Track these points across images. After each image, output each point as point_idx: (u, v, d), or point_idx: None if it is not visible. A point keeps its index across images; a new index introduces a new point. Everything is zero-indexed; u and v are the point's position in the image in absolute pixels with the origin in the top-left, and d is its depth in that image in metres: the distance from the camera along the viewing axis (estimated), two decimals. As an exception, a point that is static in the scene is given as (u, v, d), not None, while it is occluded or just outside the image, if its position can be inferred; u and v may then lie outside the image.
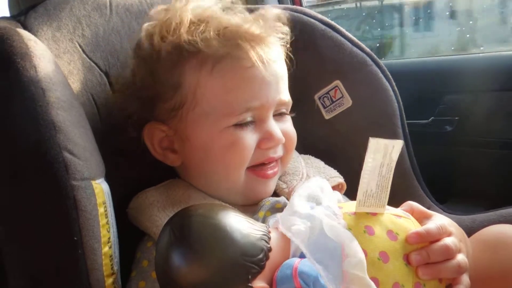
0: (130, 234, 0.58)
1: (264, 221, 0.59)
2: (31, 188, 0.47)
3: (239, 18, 0.60)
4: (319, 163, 0.73)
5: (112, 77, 0.68)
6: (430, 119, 1.00)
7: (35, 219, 0.46)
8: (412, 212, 0.52)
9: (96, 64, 0.67)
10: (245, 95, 0.58)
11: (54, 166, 0.46)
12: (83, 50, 0.66)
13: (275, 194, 0.66)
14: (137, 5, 0.74)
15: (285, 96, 0.63)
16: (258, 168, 0.61)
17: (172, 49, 0.58)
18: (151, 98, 0.61)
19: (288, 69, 0.68)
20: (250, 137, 0.59)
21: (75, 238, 0.46)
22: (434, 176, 0.84)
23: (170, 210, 0.57)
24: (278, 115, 0.63)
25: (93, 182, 0.49)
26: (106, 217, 0.50)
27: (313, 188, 0.54)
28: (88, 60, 0.66)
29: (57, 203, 0.46)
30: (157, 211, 0.58)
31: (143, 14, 0.74)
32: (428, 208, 0.55)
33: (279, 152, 0.63)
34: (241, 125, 0.59)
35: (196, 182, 0.63)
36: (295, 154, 0.72)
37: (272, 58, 0.60)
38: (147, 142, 0.63)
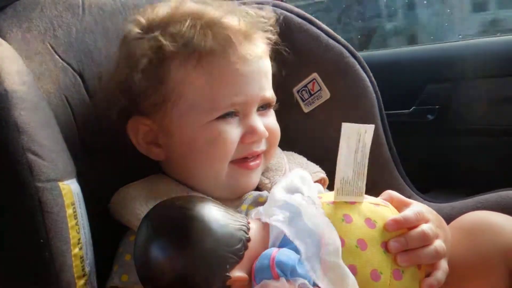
0: (114, 232, 0.58)
1: (246, 214, 0.59)
2: (-5, 191, 0.46)
3: (224, 13, 0.60)
4: (302, 159, 0.73)
5: (87, 77, 0.67)
6: (411, 109, 1.00)
7: (2, 221, 0.46)
8: (391, 200, 0.53)
9: (69, 64, 0.66)
10: (229, 91, 0.59)
11: (18, 168, 0.46)
12: (55, 51, 0.65)
13: (258, 189, 0.66)
14: (111, 4, 0.73)
15: (269, 92, 0.64)
16: (240, 161, 0.62)
17: (156, 44, 0.59)
18: (135, 93, 0.61)
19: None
20: (233, 131, 0.59)
21: (42, 241, 0.45)
22: (417, 166, 0.84)
23: (153, 203, 0.56)
24: (262, 110, 0.64)
25: (60, 184, 0.48)
26: (76, 218, 0.49)
27: (294, 179, 0.54)
28: (61, 61, 0.65)
29: (22, 205, 0.46)
30: (139, 205, 0.57)
31: (117, 13, 0.73)
32: (409, 198, 0.56)
33: (262, 146, 0.63)
34: (225, 119, 0.59)
35: (180, 176, 0.63)
36: (278, 150, 0.72)
37: (257, 54, 0.61)
38: (131, 136, 0.63)
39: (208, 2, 0.63)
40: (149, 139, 0.62)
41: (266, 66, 0.63)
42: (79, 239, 0.49)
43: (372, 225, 0.47)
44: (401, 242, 0.47)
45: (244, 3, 0.79)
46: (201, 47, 0.57)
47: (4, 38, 0.57)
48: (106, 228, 0.57)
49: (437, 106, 0.98)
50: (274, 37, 0.66)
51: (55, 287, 0.46)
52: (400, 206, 0.52)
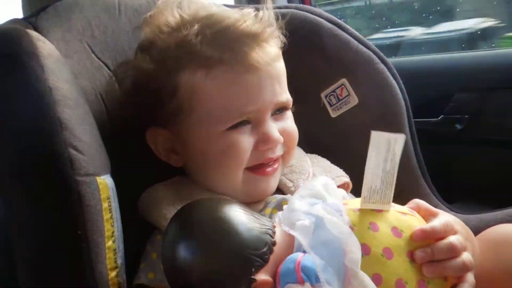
0: (139, 229, 0.59)
1: (270, 218, 0.59)
2: (37, 184, 0.48)
3: (234, 18, 0.59)
4: (325, 162, 0.73)
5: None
6: (440, 117, 0.99)
7: (41, 213, 0.47)
8: (418, 210, 0.52)
9: (104, 64, 0.68)
10: (240, 100, 0.58)
11: (59, 161, 0.47)
12: (92, 51, 0.67)
13: (281, 192, 0.66)
14: (145, 5, 0.76)
15: (283, 96, 0.62)
16: (256, 167, 0.61)
17: (166, 55, 0.59)
18: (149, 104, 0.61)
19: (294, 68, 0.69)
20: (246, 140, 0.59)
21: (79, 232, 0.47)
22: (443, 175, 0.83)
23: (179, 204, 0.57)
24: (277, 114, 0.63)
25: (97, 178, 0.50)
26: (110, 212, 0.51)
27: (317, 186, 0.54)
28: (97, 60, 0.67)
29: (62, 198, 0.47)
30: (166, 205, 0.59)
31: (151, 14, 0.75)
32: (436, 207, 0.55)
33: (278, 151, 0.62)
34: (237, 128, 0.59)
35: (199, 180, 0.64)
36: (301, 153, 0.72)
37: (269, 59, 0.59)
38: (151, 145, 0.64)
39: (219, 7, 0.64)
40: (168, 147, 0.63)
41: (278, 70, 0.62)
42: (113, 232, 0.51)
43: (398, 234, 0.47)
44: (428, 252, 0.46)
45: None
46: (210, 56, 0.57)
47: (45, 37, 0.59)
48: (130, 225, 0.58)
49: (466, 116, 0.96)
50: (284, 39, 0.64)
51: (89, 278, 0.48)
52: (427, 216, 0.51)
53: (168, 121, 0.61)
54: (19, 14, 0.78)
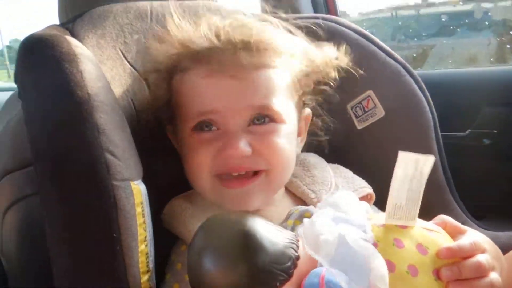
0: (162, 236, 0.59)
1: (293, 229, 0.59)
2: (74, 188, 0.49)
3: (215, 26, 0.62)
4: (348, 173, 0.72)
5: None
6: (467, 132, 0.97)
7: (78, 216, 0.49)
8: (444, 226, 0.51)
9: (136, 70, 0.70)
10: (198, 100, 0.60)
11: (96, 166, 0.48)
12: (124, 57, 0.69)
13: (304, 203, 0.66)
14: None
15: (258, 102, 0.59)
16: (224, 176, 0.60)
17: (159, 64, 0.65)
18: (162, 103, 0.65)
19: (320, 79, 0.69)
20: (207, 144, 0.59)
21: (114, 235, 0.48)
22: (471, 191, 0.81)
23: (201, 215, 0.59)
24: (257, 123, 0.60)
25: (131, 183, 0.51)
26: (143, 217, 0.52)
27: (339, 200, 0.54)
28: (129, 67, 0.69)
29: (99, 201, 0.48)
30: (189, 217, 0.60)
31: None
32: (463, 224, 0.54)
33: (248, 163, 0.59)
34: (201, 131, 0.60)
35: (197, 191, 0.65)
36: (323, 163, 0.72)
37: (242, 66, 0.58)
38: (171, 139, 0.67)
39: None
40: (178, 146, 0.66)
41: (262, 77, 0.60)
42: (145, 237, 0.51)
43: (424, 251, 0.46)
44: (454, 271, 0.45)
45: (297, 19, 0.81)
46: (181, 64, 0.61)
47: (81, 43, 0.60)
48: (155, 231, 0.59)
49: (494, 131, 0.95)
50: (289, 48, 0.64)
51: (122, 281, 0.48)
52: (454, 233, 0.50)
53: (172, 118, 0.65)
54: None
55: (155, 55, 0.66)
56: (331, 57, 0.69)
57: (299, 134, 0.68)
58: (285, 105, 0.62)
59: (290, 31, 0.68)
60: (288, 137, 0.62)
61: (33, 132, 0.52)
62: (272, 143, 0.60)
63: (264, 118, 0.60)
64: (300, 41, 0.67)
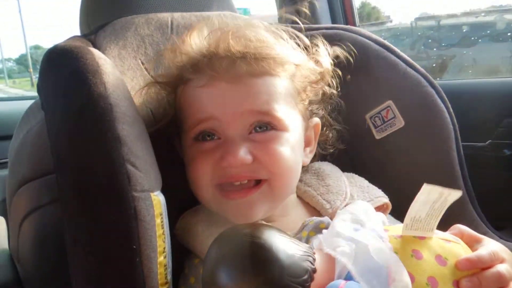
0: (174, 249, 0.59)
1: (307, 241, 0.59)
2: (95, 198, 0.49)
3: (216, 37, 0.62)
4: (363, 182, 0.71)
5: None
6: (487, 142, 0.96)
7: (99, 227, 0.49)
8: (461, 236, 0.51)
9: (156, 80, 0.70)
10: (197, 109, 0.60)
11: (118, 177, 0.49)
12: (145, 68, 0.70)
13: (318, 214, 0.66)
14: (196, 24, 0.78)
15: (261, 108, 0.58)
16: (225, 186, 0.59)
17: (165, 78, 0.66)
18: (171, 116, 0.66)
19: (340, 89, 0.69)
20: (207, 154, 0.59)
21: (134, 247, 0.48)
22: (492, 201, 0.80)
23: (214, 228, 0.59)
24: (259, 131, 0.59)
25: (151, 194, 0.51)
26: (162, 228, 0.52)
27: (357, 211, 0.53)
28: (150, 77, 0.70)
29: (119, 212, 0.49)
30: (201, 230, 0.60)
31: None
32: (484, 234, 0.53)
33: (247, 172, 0.58)
34: (203, 141, 0.60)
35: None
36: (338, 172, 0.72)
37: (240, 74, 0.58)
38: (179, 150, 0.67)
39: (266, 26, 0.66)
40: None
41: (259, 84, 0.59)
42: (164, 248, 0.51)
43: (443, 263, 0.45)
44: (474, 282, 0.45)
45: (317, 29, 0.81)
46: (182, 76, 0.62)
47: (103, 53, 0.61)
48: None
49: (515, 142, 0.93)
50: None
51: None
52: (471, 242, 0.50)
53: (178, 133, 0.65)
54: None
55: (165, 68, 0.67)
56: (329, 68, 0.69)
57: (307, 144, 0.67)
58: (288, 112, 0.61)
59: (297, 43, 0.68)
60: (291, 146, 0.60)
61: (56, 142, 0.53)
62: (273, 151, 0.58)
63: (265, 125, 0.59)
64: (301, 53, 0.67)
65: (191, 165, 0.61)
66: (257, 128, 0.59)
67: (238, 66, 0.58)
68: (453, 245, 0.48)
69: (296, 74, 0.64)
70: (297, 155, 0.62)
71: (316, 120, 0.69)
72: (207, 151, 0.59)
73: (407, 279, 0.43)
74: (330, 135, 0.73)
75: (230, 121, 0.58)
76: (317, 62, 0.68)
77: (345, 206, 0.64)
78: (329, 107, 0.73)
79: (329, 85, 0.70)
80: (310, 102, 0.68)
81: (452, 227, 0.52)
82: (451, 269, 0.45)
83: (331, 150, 0.74)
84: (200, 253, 0.58)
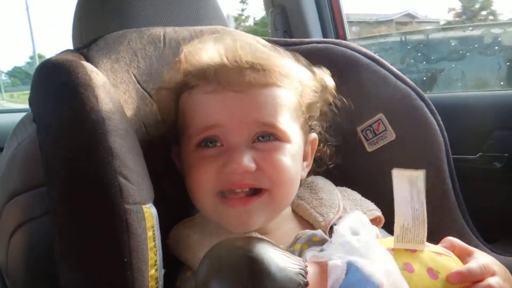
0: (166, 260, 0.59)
1: (300, 253, 0.58)
2: (87, 210, 0.49)
3: (221, 47, 0.63)
4: (356, 195, 0.72)
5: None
6: (478, 155, 0.97)
7: (90, 239, 0.48)
8: (453, 249, 0.51)
9: (148, 94, 0.71)
10: (203, 115, 0.60)
11: (110, 190, 0.48)
12: (137, 81, 0.70)
13: (312, 227, 0.66)
14: (189, 38, 0.79)
15: (266, 120, 0.59)
16: (226, 194, 0.59)
17: (168, 84, 0.66)
18: (170, 124, 0.67)
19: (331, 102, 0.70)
20: (210, 160, 0.59)
21: (125, 260, 0.47)
22: (483, 214, 0.81)
23: (206, 240, 0.59)
24: (262, 141, 0.60)
25: (143, 207, 0.51)
26: (154, 241, 0.51)
27: (354, 221, 0.53)
28: (142, 90, 0.70)
29: (111, 225, 0.48)
30: (194, 242, 0.60)
31: (193, 47, 0.78)
32: (475, 247, 0.54)
33: (249, 180, 0.58)
34: (205, 148, 0.60)
35: (199, 210, 0.65)
36: (331, 186, 0.72)
37: (248, 84, 0.59)
38: (176, 162, 0.67)
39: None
40: (181, 166, 0.66)
41: (267, 95, 0.60)
42: (155, 261, 0.51)
43: (434, 276, 0.46)
44: None
45: (308, 43, 0.82)
46: (187, 82, 0.62)
47: (96, 67, 0.62)
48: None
49: (505, 154, 0.94)
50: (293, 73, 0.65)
51: None
52: (462, 255, 0.50)
53: (179, 139, 0.65)
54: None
55: (165, 75, 0.67)
56: (331, 85, 0.70)
57: (305, 159, 0.68)
58: (291, 125, 0.62)
59: (297, 59, 0.69)
60: (292, 157, 0.61)
61: (47, 155, 0.52)
62: (276, 160, 0.59)
63: (269, 136, 0.60)
64: (304, 69, 0.68)
65: (192, 171, 0.60)
66: (260, 138, 0.60)
67: (246, 75, 0.59)
68: (444, 258, 0.48)
69: (299, 88, 0.65)
70: (297, 166, 0.63)
71: (314, 135, 0.70)
72: (210, 157, 0.59)
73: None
74: (328, 151, 0.74)
75: (235, 129, 0.58)
76: (320, 80, 0.69)
77: (338, 219, 0.64)
78: (326, 125, 0.73)
79: (330, 104, 0.71)
80: (310, 117, 0.69)
81: (443, 240, 0.52)
82: (443, 282, 0.45)
83: (327, 166, 0.74)
84: (192, 265, 0.58)
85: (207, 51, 0.63)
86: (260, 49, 0.64)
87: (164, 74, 0.69)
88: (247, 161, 0.57)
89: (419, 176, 0.46)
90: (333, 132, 0.76)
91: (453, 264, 0.48)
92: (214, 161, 0.58)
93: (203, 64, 0.62)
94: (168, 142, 0.67)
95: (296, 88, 0.64)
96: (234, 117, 0.58)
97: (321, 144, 0.72)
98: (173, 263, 0.61)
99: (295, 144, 0.62)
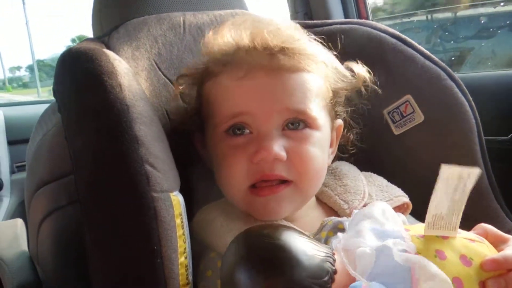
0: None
1: (326, 241, 0.58)
2: (115, 200, 0.49)
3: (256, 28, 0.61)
4: (382, 181, 0.70)
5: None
6: (510, 136, 0.93)
7: (119, 228, 0.48)
8: (486, 235, 0.49)
9: (170, 80, 0.70)
10: (232, 102, 0.58)
11: (136, 178, 0.48)
12: (158, 68, 0.69)
13: (336, 214, 0.65)
14: (208, 23, 0.78)
15: (297, 106, 0.58)
16: (257, 185, 0.58)
17: (198, 68, 0.65)
18: (193, 111, 0.66)
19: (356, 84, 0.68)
20: (241, 150, 0.57)
21: (155, 248, 0.47)
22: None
23: (232, 225, 0.58)
24: (292, 128, 0.59)
25: (171, 194, 0.51)
26: (182, 228, 0.51)
27: (375, 212, 0.52)
28: (163, 77, 0.69)
29: (139, 213, 0.48)
30: (219, 226, 0.59)
31: (214, 32, 0.77)
32: (509, 232, 0.52)
33: (280, 171, 0.57)
34: (233, 136, 0.59)
35: (228, 200, 0.63)
36: (356, 172, 0.71)
37: (279, 68, 0.58)
38: (198, 151, 0.67)
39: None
40: (207, 155, 0.65)
41: (293, 82, 0.59)
42: (184, 248, 0.51)
43: (468, 263, 0.44)
44: (501, 283, 0.43)
45: (331, 24, 0.80)
46: (216, 66, 0.61)
47: (117, 55, 0.61)
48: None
49: (539, 134, 0.90)
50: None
51: None
52: (496, 242, 0.48)
53: (203, 127, 0.64)
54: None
55: (189, 62, 0.67)
56: (362, 74, 0.68)
57: (330, 145, 0.66)
58: (320, 112, 0.61)
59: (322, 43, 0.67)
60: (321, 145, 0.60)
61: (73, 144, 0.52)
62: (305, 152, 0.58)
63: (298, 123, 0.59)
64: (330, 54, 0.67)
65: (223, 163, 0.59)
66: (290, 125, 0.58)
67: (277, 59, 0.58)
68: (477, 244, 0.46)
69: (326, 73, 0.63)
70: (325, 156, 0.62)
71: (339, 121, 0.68)
72: (239, 147, 0.58)
73: (444, 275, 0.41)
74: (351, 137, 0.72)
75: (265, 116, 0.57)
76: (347, 67, 0.68)
77: (363, 206, 0.63)
78: (350, 110, 0.72)
79: (359, 92, 0.69)
80: (336, 103, 0.67)
81: (476, 227, 0.50)
82: (476, 269, 0.44)
83: (351, 152, 0.73)
84: (217, 248, 0.57)
85: (232, 36, 0.62)
86: (287, 33, 0.62)
87: (188, 61, 0.69)
88: (278, 149, 0.56)
89: (471, 174, 0.42)
90: (358, 116, 0.74)
91: (486, 251, 0.46)
92: (244, 150, 0.57)
93: (230, 49, 0.60)
94: (192, 129, 0.67)
95: (323, 73, 0.63)
96: (265, 104, 0.57)
97: (345, 130, 0.71)
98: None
99: (324, 132, 0.61)
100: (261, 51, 0.58)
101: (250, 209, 0.60)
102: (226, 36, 0.62)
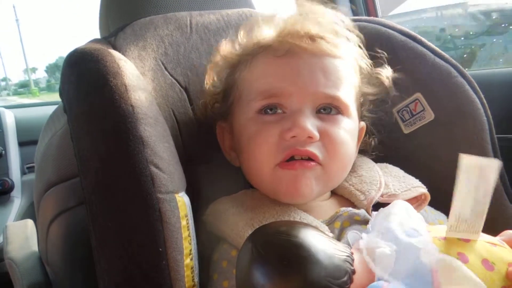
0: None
1: (341, 232, 0.57)
2: (120, 201, 0.49)
3: (299, 18, 0.62)
4: (399, 172, 0.68)
5: (192, 92, 0.71)
6: (523, 134, 0.91)
7: (124, 230, 0.48)
8: (510, 242, 0.47)
9: (176, 80, 0.70)
10: (268, 80, 0.59)
11: (141, 179, 0.48)
12: (165, 68, 0.69)
13: (352, 205, 0.63)
14: (215, 23, 0.77)
15: (328, 90, 0.58)
16: (287, 162, 0.57)
17: (230, 53, 0.65)
18: (219, 98, 0.66)
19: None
20: (272, 124, 0.57)
21: (160, 249, 0.47)
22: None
23: (245, 215, 0.58)
24: (323, 113, 0.59)
25: (176, 195, 0.50)
26: (188, 230, 0.51)
27: (398, 211, 0.51)
28: (170, 77, 0.69)
29: (144, 215, 0.48)
30: (232, 216, 0.58)
31: (221, 31, 0.76)
32: None
33: (311, 147, 0.56)
34: (266, 114, 0.59)
35: (253, 183, 0.63)
36: (370, 163, 0.69)
37: (317, 51, 0.59)
38: (220, 143, 0.66)
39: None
40: (228, 143, 0.65)
41: (334, 66, 0.60)
42: (190, 250, 0.50)
43: (490, 267, 0.43)
44: None
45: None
46: (255, 48, 0.62)
47: (123, 55, 0.61)
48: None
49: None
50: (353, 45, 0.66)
51: None
52: None
53: (228, 113, 0.64)
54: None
55: (196, 62, 0.67)
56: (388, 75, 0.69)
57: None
58: (352, 101, 0.62)
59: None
60: (352, 133, 0.61)
61: (79, 145, 0.52)
62: (337, 134, 0.58)
63: (331, 108, 0.59)
64: (361, 51, 0.68)
65: (254, 139, 0.59)
66: (322, 110, 0.59)
67: (318, 43, 0.59)
68: (499, 249, 0.45)
69: (361, 66, 0.65)
70: (354, 145, 0.63)
71: (363, 123, 0.69)
72: (271, 122, 0.58)
73: (470, 275, 0.40)
74: (372, 143, 0.72)
75: (301, 95, 0.58)
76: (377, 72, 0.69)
77: (380, 196, 0.61)
78: (373, 117, 0.72)
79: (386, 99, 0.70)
80: (362, 104, 0.68)
81: (502, 233, 0.48)
82: (499, 274, 0.42)
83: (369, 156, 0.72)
84: (231, 238, 0.57)
85: (269, 25, 0.63)
86: (322, 22, 0.63)
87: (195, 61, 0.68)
88: (312, 127, 0.56)
89: (491, 165, 0.41)
90: (368, 112, 0.73)
91: (509, 256, 0.44)
92: (276, 127, 0.57)
93: (271, 33, 0.62)
94: (215, 118, 0.67)
95: (356, 64, 0.65)
96: (302, 82, 0.58)
97: (367, 135, 0.71)
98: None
99: (354, 121, 0.62)
100: (302, 35, 0.59)
101: (278, 187, 0.58)
102: (262, 29, 0.63)
